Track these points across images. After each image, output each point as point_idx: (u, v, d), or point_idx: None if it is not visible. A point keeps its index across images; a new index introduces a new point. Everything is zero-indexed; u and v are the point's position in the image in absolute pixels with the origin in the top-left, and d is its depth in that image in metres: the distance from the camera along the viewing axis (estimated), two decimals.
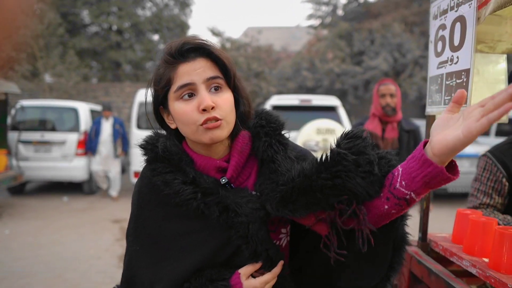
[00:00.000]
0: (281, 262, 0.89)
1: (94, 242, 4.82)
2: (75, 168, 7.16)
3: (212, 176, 0.93)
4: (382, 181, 0.81)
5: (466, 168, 6.93)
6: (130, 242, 0.99)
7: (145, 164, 0.98)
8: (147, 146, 0.96)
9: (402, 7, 15.16)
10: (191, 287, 0.89)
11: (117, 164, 7.31)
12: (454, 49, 1.07)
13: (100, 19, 15.68)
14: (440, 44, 1.14)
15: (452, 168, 0.76)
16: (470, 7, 1.00)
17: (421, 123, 8.92)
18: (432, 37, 1.18)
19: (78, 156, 7.16)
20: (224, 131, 0.88)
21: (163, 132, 1.00)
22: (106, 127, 7.16)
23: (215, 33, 15.11)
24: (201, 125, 0.87)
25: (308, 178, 0.82)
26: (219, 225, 0.88)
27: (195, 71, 0.87)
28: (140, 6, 16.91)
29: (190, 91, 0.88)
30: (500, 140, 6.64)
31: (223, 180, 0.92)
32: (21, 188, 7.49)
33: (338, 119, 7.08)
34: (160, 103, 0.94)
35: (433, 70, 1.18)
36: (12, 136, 6.96)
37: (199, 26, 57.32)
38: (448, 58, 1.09)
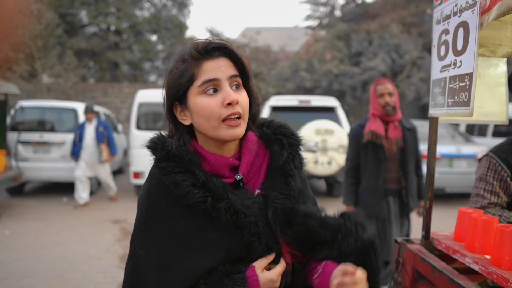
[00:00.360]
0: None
1: (94, 243, 4.84)
2: (74, 168, 7.17)
3: (221, 178, 0.95)
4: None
5: (464, 169, 6.99)
6: (135, 247, 0.97)
7: (154, 164, 0.97)
8: (156, 146, 0.96)
9: (400, 8, 15.24)
10: (207, 282, 0.90)
11: (105, 168, 6.97)
12: (457, 53, 1.10)
13: (98, 19, 15.68)
14: (443, 48, 1.17)
15: None
16: (473, 13, 1.04)
17: (418, 124, 8.98)
18: (435, 41, 1.22)
19: None
20: (242, 130, 0.93)
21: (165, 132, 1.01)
22: (90, 130, 6.76)
23: (214, 33, 15.15)
24: (223, 121, 0.90)
25: (316, 229, 0.93)
26: (229, 226, 0.91)
27: (219, 68, 0.90)
28: (138, 6, 16.93)
29: (214, 86, 0.91)
30: (497, 140, 6.66)
31: (238, 177, 0.95)
32: (20, 189, 7.49)
33: (337, 120, 7.12)
34: (178, 98, 0.95)
35: (436, 73, 1.21)
36: (12, 136, 6.97)
37: (197, 27, 57.34)
38: (451, 62, 1.13)
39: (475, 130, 9.46)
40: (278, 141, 1.01)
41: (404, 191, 2.92)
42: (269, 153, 1.02)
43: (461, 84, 1.09)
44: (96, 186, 7.89)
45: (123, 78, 16.89)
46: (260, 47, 14.84)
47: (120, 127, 9.85)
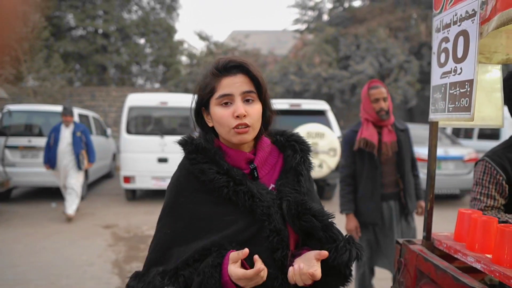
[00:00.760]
0: (264, 269, 0.99)
1: (86, 248, 4.79)
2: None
3: (240, 169, 1.11)
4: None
5: (451, 170, 7.13)
6: (162, 226, 1.13)
7: (184, 156, 1.15)
8: (186, 142, 1.15)
9: (387, 13, 15.48)
10: (201, 252, 1.03)
11: (79, 177, 6.23)
12: (458, 60, 1.15)
13: (86, 22, 15.52)
14: (443, 55, 1.22)
15: None
16: (473, 22, 1.09)
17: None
18: (435, 49, 1.27)
19: None
20: (250, 136, 1.09)
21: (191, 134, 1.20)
22: (66, 134, 6.06)
23: (202, 37, 15.15)
24: (233, 128, 1.06)
25: (318, 231, 1.08)
26: (244, 210, 1.06)
27: (235, 84, 1.07)
28: (126, 9, 16.81)
29: (228, 100, 1.07)
30: (483, 142, 6.82)
31: (252, 166, 1.12)
32: (7, 195, 7.35)
33: (327, 123, 7.19)
34: (203, 105, 1.13)
35: (436, 79, 1.26)
36: None
37: (186, 30, 57.13)
38: (451, 68, 1.18)
39: (461, 133, 9.67)
40: (291, 146, 1.18)
41: (402, 193, 2.88)
42: (283, 156, 1.19)
43: (461, 90, 1.14)
44: (86, 190, 7.80)
45: (110, 81, 16.73)
46: (249, 50, 14.89)
47: (109, 131, 9.74)
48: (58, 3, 15.24)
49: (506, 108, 1.56)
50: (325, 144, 6.68)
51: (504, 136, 8.25)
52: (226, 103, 1.07)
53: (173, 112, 7.80)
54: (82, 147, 6.13)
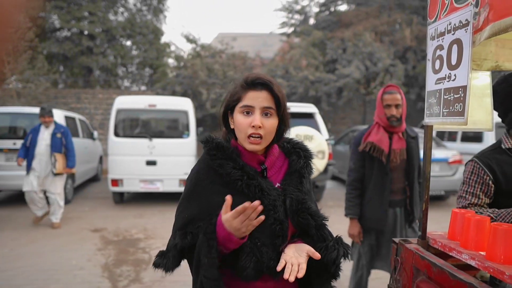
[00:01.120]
0: (256, 202, 1.13)
1: (75, 252, 4.73)
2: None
3: (253, 167, 1.28)
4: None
5: (436, 172, 7.29)
6: (181, 212, 1.30)
7: (205, 152, 1.31)
8: (208, 140, 1.31)
9: (372, 17, 15.74)
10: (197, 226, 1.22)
11: (59, 183, 5.80)
12: (452, 67, 1.21)
13: (71, 23, 15.30)
14: (438, 62, 1.28)
15: None
16: (466, 32, 1.15)
17: None
18: (429, 56, 1.33)
19: None
20: (261, 146, 1.26)
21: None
22: (45, 136, 5.65)
23: (190, 39, 15.11)
24: (248, 137, 1.24)
25: (311, 228, 1.25)
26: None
27: (257, 99, 1.24)
28: (112, 11, 16.64)
29: (249, 110, 1.25)
30: (466, 145, 6.99)
31: (263, 167, 1.30)
32: None
33: (315, 126, 7.28)
34: (230, 109, 1.31)
35: (431, 85, 1.32)
36: None
37: (173, 32, 56.77)
38: (446, 75, 1.23)
39: (445, 135, 9.90)
40: (296, 153, 1.36)
41: (408, 200, 2.84)
42: (288, 161, 1.36)
43: (455, 96, 1.19)
44: (72, 193, 7.69)
45: (95, 83, 16.53)
46: (236, 53, 14.92)
47: (95, 133, 9.62)
48: (42, 4, 14.99)
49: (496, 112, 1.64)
50: (313, 147, 6.74)
51: (486, 139, 8.48)
52: (247, 113, 1.24)
53: (162, 115, 7.77)
54: (60, 150, 5.67)
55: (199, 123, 12.60)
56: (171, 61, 16.83)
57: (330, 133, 10.30)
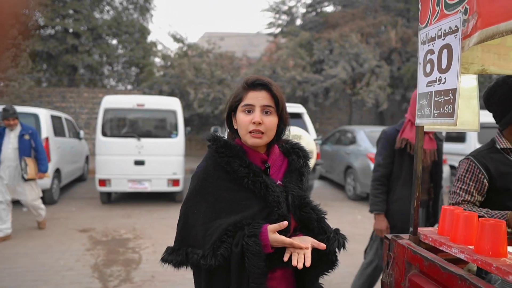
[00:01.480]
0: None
1: (63, 253, 4.68)
2: None
3: (257, 165, 1.36)
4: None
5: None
6: (188, 208, 1.34)
7: (212, 150, 1.37)
8: (215, 138, 1.39)
9: (358, 19, 15.93)
10: (232, 229, 1.25)
11: (33, 188, 5.27)
12: (442, 71, 1.27)
13: (55, 21, 15.04)
14: (428, 66, 1.34)
15: None
16: (455, 37, 1.21)
17: (376, 130, 9.45)
18: (421, 60, 1.39)
19: None
20: (263, 141, 1.34)
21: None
22: (11, 139, 5.09)
23: (177, 39, 15.03)
24: (249, 132, 1.32)
25: (313, 221, 1.36)
26: (259, 197, 1.31)
27: (257, 98, 1.33)
28: (97, 9, 16.42)
29: (250, 108, 1.34)
30: (449, 144, 7.16)
31: (266, 165, 1.38)
32: None
33: (303, 126, 7.36)
34: (233, 110, 1.39)
35: (422, 87, 1.38)
36: None
37: (159, 31, 56.24)
38: (436, 78, 1.30)
39: None
40: (296, 153, 1.46)
41: (431, 202, 2.82)
42: (287, 160, 1.45)
43: (445, 98, 1.26)
44: (58, 193, 7.59)
45: (80, 82, 16.29)
46: (223, 53, 14.91)
47: (82, 133, 9.51)
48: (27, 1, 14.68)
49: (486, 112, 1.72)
50: None
51: (469, 139, 8.71)
52: (248, 111, 1.33)
53: (150, 114, 7.73)
54: (30, 153, 5.12)
55: (186, 122, 12.56)
56: (157, 60, 16.71)
57: (318, 133, 10.41)
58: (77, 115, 14.35)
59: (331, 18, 16.91)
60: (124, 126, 7.72)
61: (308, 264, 1.21)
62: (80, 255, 4.64)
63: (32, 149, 5.17)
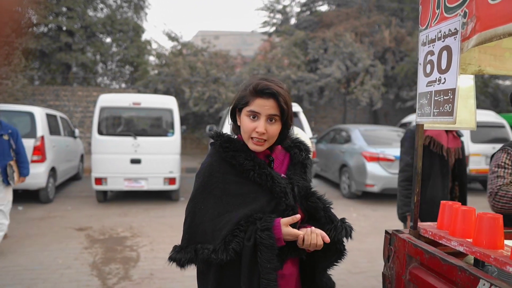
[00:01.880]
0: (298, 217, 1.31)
1: (61, 252, 4.69)
2: (31, 175, 6.77)
3: (262, 159, 1.38)
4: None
5: None
6: (195, 204, 1.35)
7: (217, 145, 1.39)
8: (218, 134, 1.41)
9: (353, 18, 16.03)
10: (244, 223, 1.27)
11: (6, 195, 4.51)
12: (442, 71, 1.32)
13: (49, 19, 14.92)
14: (428, 66, 1.40)
15: None
16: (455, 39, 1.26)
17: (370, 128, 9.54)
18: (421, 60, 1.44)
19: (34, 163, 6.81)
20: (263, 148, 1.36)
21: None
22: None
23: (171, 37, 15.00)
24: (251, 138, 1.35)
25: (320, 211, 1.40)
26: (265, 189, 1.33)
27: (264, 106, 1.33)
28: (91, 7, 16.31)
29: (255, 115, 1.34)
30: None
31: (270, 158, 1.42)
32: None
33: (299, 125, 7.41)
34: (237, 109, 1.40)
35: (422, 87, 1.43)
36: None
37: (153, 29, 55.89)
38: (436, 78, 1.35)
39: None
40: (297, 147, 1.48)
41: (456, 200, 2.76)
42: (290, 154, 1.48)
43: (445, 97, 1.31)
44: (54, 192, 7.57)
45: (74, 80, 16.19)
46: (218, 51, 14.91)
47: (77, 131, 9.47)
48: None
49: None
50: None
51: (462, 137, 8.81)
52: (253, 117, 1.34)
53: (146, 113, 7.73)
54: (10, 155, 4.46)
55: (181, 121, 12.55)
56: (152, 58, 16.66)
57: (313, 131, 10.47)
58: (71, 114, 14.28)
59: (325, 17, 16.99)
60: (120, 124, 7.72)
61: (320, 244, 1.26)
62: (78, 253, 4.65)
63: (12, 150, 4.51)
